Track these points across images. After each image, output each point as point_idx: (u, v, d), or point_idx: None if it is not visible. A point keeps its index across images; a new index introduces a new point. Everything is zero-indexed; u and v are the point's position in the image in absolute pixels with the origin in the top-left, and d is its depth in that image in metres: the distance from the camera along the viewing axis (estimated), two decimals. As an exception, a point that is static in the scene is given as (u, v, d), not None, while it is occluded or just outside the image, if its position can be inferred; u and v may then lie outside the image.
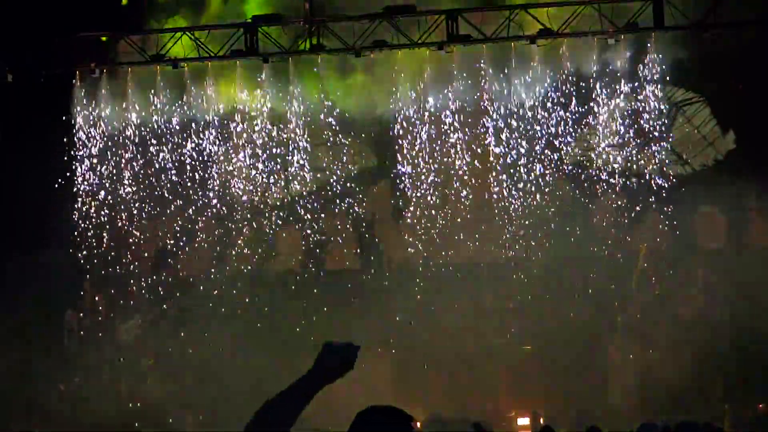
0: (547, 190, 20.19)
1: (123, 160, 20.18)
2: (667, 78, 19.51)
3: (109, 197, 20.18)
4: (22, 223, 18.90)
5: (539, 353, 19.62)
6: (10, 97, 18.94)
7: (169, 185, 20.34)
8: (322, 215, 21.70)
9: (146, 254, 20.56)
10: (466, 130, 21.38)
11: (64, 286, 20.13)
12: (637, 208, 20.14)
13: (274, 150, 21.60)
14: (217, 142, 20.44)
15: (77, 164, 19.99)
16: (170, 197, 20.34)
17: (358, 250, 21.65)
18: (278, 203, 21.65)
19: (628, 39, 19.02)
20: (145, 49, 19.05)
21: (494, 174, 20.90)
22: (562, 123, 19.95)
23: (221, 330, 20.43)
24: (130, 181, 20.20)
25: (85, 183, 20.07)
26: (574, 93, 19.71)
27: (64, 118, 19.79)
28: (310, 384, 4.11)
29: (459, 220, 21.42)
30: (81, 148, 19.96)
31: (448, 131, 21.42)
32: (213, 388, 19.62)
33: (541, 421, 17.39)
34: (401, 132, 21.61)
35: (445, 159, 21.48)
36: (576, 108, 19.86)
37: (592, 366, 19.44)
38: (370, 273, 21.04)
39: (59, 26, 19.19)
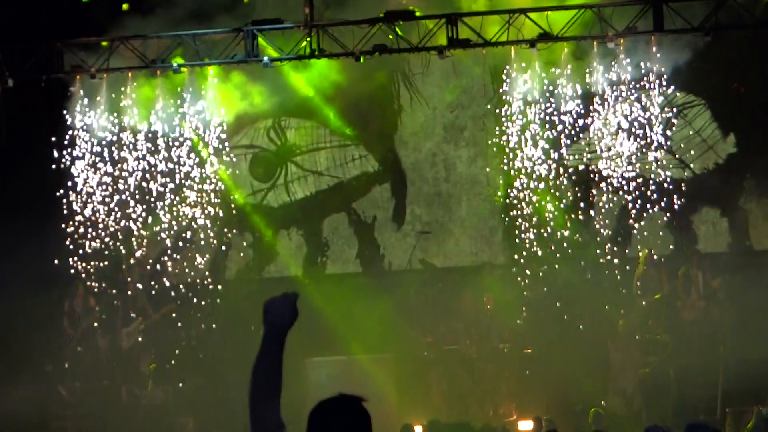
0: (548, 193, 20.19)
1: (123, 165, 20.17)
2: (667, 81, 19.51)
3: (108, 202, 20.17)
4: (20, 227, 18.89)
5: (540, 357, 19.61)
6: (11, 102, 18.95)
7: (168, 189, 20.33)
8: (323, 219, 21.73)
9: (145, 258, 20.55)
10: (468, 132, 21.41)
11: (62, 290, 20.13)
12: (638, 212, 20.14)
13: (274, 153, 21.64)
14: (216, 146, 20.43)
15: (76, 168, 19.98)
16: (169, 201, 20.33)
17: (358, 254, 21.67)
18: (278, 207, 21.67)
19: (628, 42, 19.02)
20: (146, 54, 19.05)
21: (495, 176, 20.92)
22: (563, 126, 19.94)
23: (222, 334, 20.44)
24: (129, 186, 20.19)
25: (85, 187, 20.06)
26: (574, 96, 19.71)
27: (64, 122, 19.79)
28: (269, 345, 4.23)
29: (460, 222, 21.44)
30: (80, 152, 19.95)
31: (450, 134, 21.45)
32: (215, 392, 19.62)
33: (543, 425, 17.36)
34: (403, 135, 21.65)
35: (446, 161, 21.51)
36: (576, 111, 19.86)
37: (593, 370, 19.42)
38: (371, 277, 21.05)
39: (60, 31, 19.20)
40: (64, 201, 19.94)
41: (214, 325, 20.53)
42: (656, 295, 19.61)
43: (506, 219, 20.64)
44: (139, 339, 20.12)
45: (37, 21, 19.23)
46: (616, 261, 20.13)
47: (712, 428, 7.77)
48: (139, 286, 20.40)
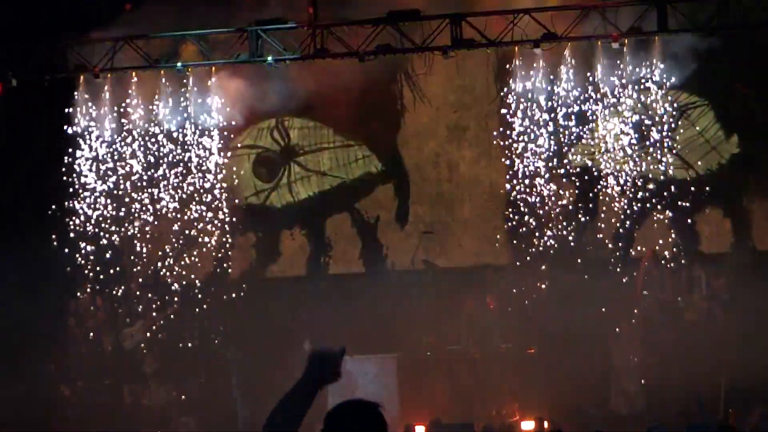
0: (550, 193, 20.19)
1: (126, 165, 20.18)
2: (671, 82, 19.49)
3: (112, 201, 20.17)
4: (23, 227, 18.88)
5: (543, 357, 19.59)
6: (15, 101, 18.95)
7: (171, 189, 20.34)
8: (326, 219, 21.72)
9: (149, 258, 20.55)
10: (471, 132, 21.40)
11: (65, 290, 20.13)
12: (641, 212, 20.13)
13: (277, 153, 21.63)
14: (220, 146, 20.44)
15: (80, 168, 20.00)
16: (172, 201, 20.34)
17: (361, 254, 21.65)
18: (281, 207, 21.66)
19: (632, 43, 19.00)
20: (149, 53, 19.04)
21: (498, 177, 20.91)
22: (565, 126, 19.93)
23: (224, 334, 20.43)
24: (132, 185, 20.20)
25: (88, 186, 20.07)
26: (577, 97, 19.70)
27: (67, 122, 19.80)
28: (301, 391, 4.17)
29: (463, 222, 21.42)
30: (84, 151, 19.96)
31: (454, 134, 21.44)
32: (216, 392, 19.61)
33: (546, 425, 17.35)
34: (406, 135, 21.64)
35: (449, 161, 21.50)
36: (579, 112, 19.84)
37: (595, 370, 19.40)
38: (374, 277, 21.04)
39: (63, 30, 19.19)
40: (67, 201, 19.94)
41: (216, 325, 20.51)
42: (660, 294, 19.63)
43: (509, 219, 20.62)
44: (142, 339, 20.11)
45: (39, 20, 19.22)
46: (618, 261, 20.12)
47: (722, 425, 7.76)
48: (142, 286, 20.40)
